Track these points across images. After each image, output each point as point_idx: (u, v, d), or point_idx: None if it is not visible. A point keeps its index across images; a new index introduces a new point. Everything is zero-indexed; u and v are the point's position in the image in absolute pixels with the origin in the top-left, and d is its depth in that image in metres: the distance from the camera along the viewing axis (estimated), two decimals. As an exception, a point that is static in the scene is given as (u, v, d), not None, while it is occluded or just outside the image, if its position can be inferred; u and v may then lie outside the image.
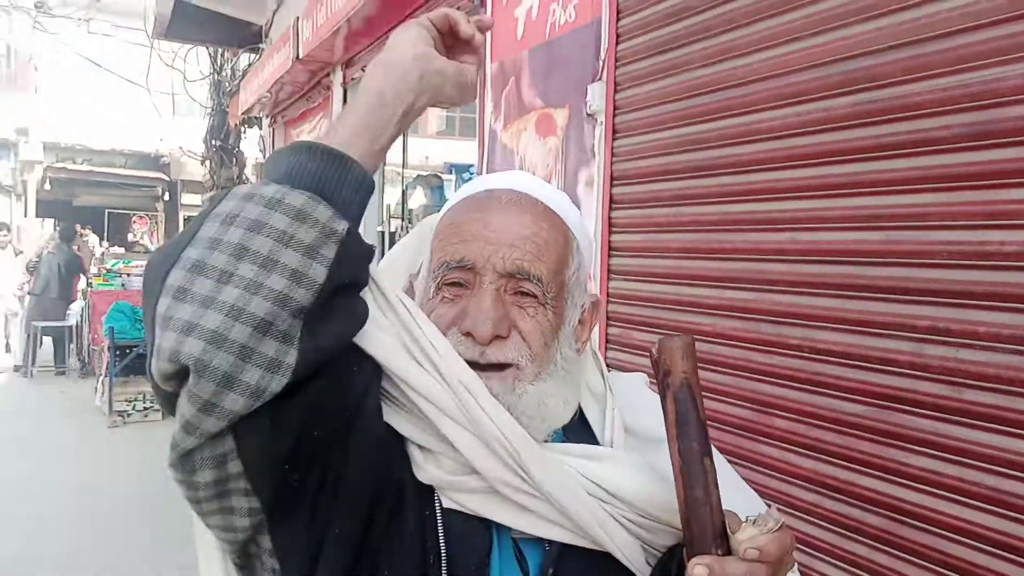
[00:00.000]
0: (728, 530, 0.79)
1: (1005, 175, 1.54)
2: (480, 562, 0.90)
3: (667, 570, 0.89)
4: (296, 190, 0.79)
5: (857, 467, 1.80)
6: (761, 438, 2.08)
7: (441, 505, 0.90)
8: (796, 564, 0.83)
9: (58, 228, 11.96)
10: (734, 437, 2.15)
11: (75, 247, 11.71)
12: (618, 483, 0.90)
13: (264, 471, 0.81)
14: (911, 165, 1.71)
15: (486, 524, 0.91)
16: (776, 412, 2.04)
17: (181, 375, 0.75)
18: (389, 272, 1.05)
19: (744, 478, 2.05)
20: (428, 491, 0.91)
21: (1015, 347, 1.51)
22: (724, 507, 0.81)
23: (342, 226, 0.80)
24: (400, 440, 0.92)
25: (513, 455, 0.87)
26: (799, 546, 1.90)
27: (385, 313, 0.91)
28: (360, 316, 0.86)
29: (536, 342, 0.92)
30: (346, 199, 0.82)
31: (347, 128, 0.87)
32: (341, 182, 0.82)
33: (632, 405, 1.03)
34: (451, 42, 0.99)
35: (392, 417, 0.91)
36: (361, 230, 0.86)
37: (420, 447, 0.91)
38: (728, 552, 0.78)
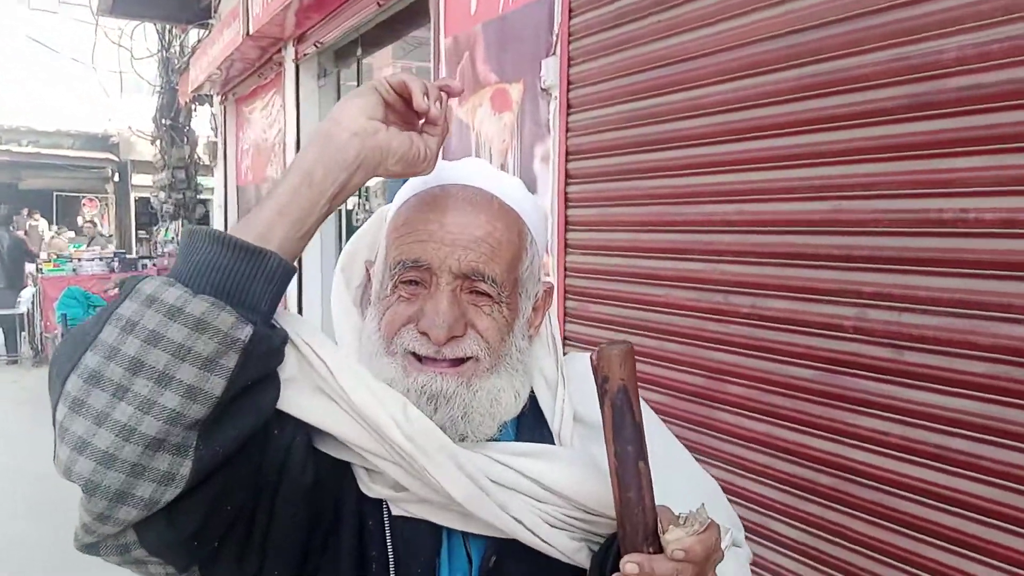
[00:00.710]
0: (659, 529, 0.83)
1: (945, 144, 1.59)
2: (428, 563, 0.93)
3: (605, 559, 0.92)
4: (198, 296, 0.77)
5: (807, 429, 1.86)
6: (715, 404, 2.13)
7: (390, 513, 0.93)
8: (724, 556, 0.88)
9: None
10: (689, 404, 2.20)
11: (20, 231, 11.41)
12: (557, 480, 0.93)
13: (170, 553, 0.83)
14: (856, 136, 1.76)
15: (434, 527, 0.94)
16: (729, 378, 2.09)
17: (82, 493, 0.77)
18: (350, 264, 1.06)
19: (699, 443, 2.12)
20: (375, 503, 0.93)
21: (954, 310, 1.57)
22: (659, 499, 0.84)
23: (245, 332, 0.78)
24: (339, 463, 0.93)
25: (422, 476, 0.88)
26: (754, 506, 1.97)
27: (300, 362, 0.90)
28: (265, 409, 0.85)
29: (493, 338, 0.93)
30: (257, 294, 0.81)
31: (270, 210, 0.84)
32: (252, 277, 0.80)
33: (584, 391, 1.03)
34: (414, 113, 0.91)
35: (329, 446, 0.92)
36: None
37: (364, 467, 0.93)
38: (659, 550, 0.82)
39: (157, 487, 0.76)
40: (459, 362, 0.93)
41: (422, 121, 0.93)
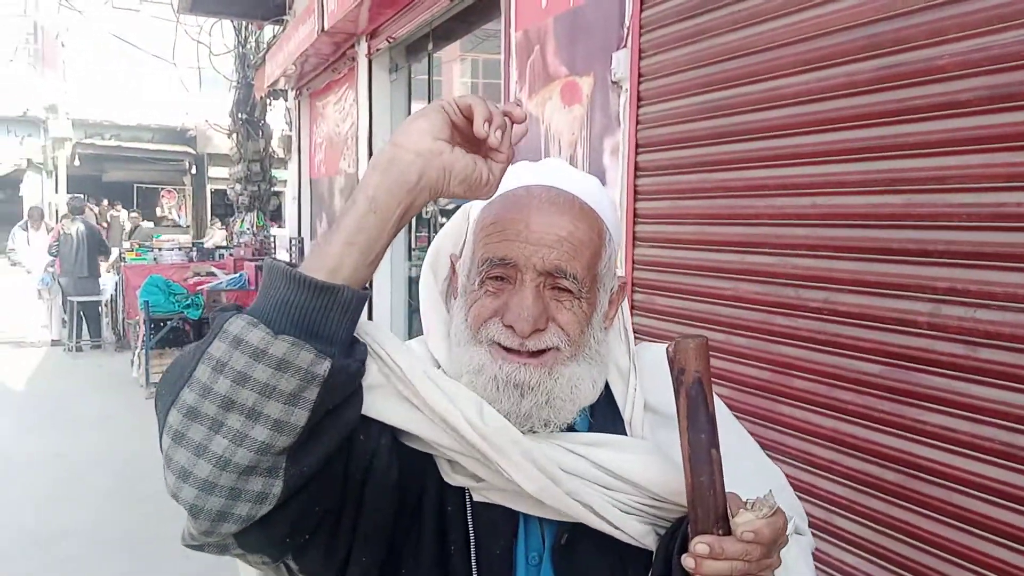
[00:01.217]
0: (728, 513, 0.87)
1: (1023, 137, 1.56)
2: (506, 545, 1.00)
3: (671, 543, 0.96)
4: (279, 337, 0.82)
5: (874, 425, 1.85)
6: (782, 398, 2.13)
7: (471, 499, 1.00)
8: (789, 541, 0.91)
9: (68, 206, 11.99)
10: (755, 398, 2.20)
11: (102, 223, 11.82)
12: (629, 470, 0.98)
13: (265, 550, 0.91)
14: (932, 128, 1.73)
15: (511, 510, 1.00)
16: (796, 373, 2.08)
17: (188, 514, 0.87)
18: (436, 260, 1.14)
19: (765, 437, 2.11)
20: (458, 491, 1.00)
21: (1031, 306, 1.54)
22: (728, 487, 0.88)
23: (324, 368, 0.83)
24: (423, 454, 1.00)
25: (496, 470, 0.94)
26: (819, 502, 1.96)
27: (381, 370, 0.96)
28: (347, 426, 0.90)
29: (573, 331, 0.99)
30: (333, 327, 0.85)
31: (338, 242, 0.87)
32: (328, 311, 0.85)
33: (655, 381, 1.09)
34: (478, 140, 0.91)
35: (412, 441, 0.99)
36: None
37: (446, 459, 1.00)
38: (728, 533, 0.86)
39: (252, 505, 0.84)
40: (541, 352, 0.98)
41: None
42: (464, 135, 0.91)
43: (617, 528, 0.97)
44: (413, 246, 6.38)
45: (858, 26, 1.90)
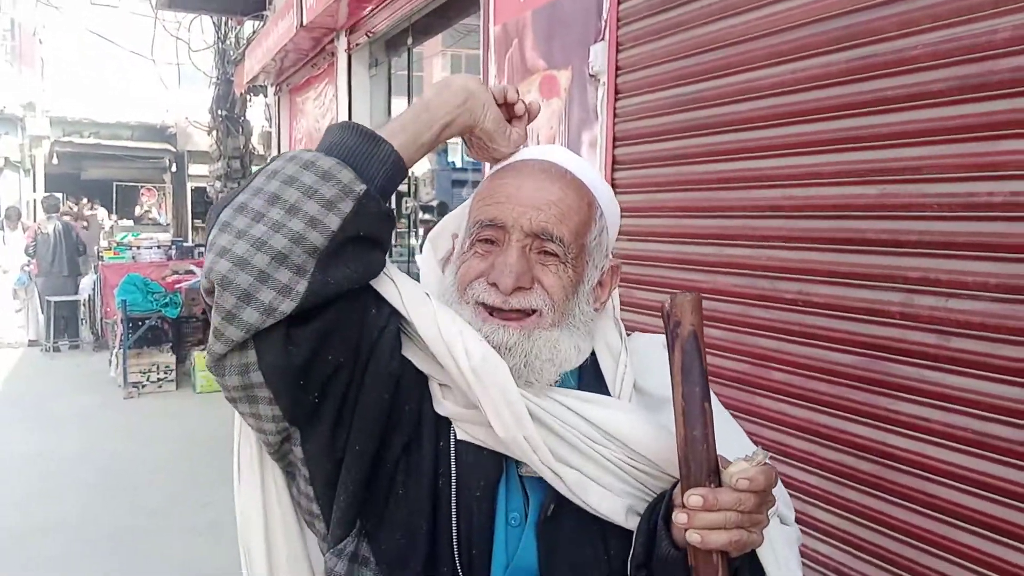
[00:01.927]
0: (721, 466, 0.87)
1: (997, 127, 1.56)
2: (487, 490, 1.01)
3: (655, 513, 0.96)
4: (329, 156, 0.96)
5: (849, 415, 1.85)
6: (758, 390, 2.13)
7: (455, 436, 1.02)
8: (776, 504, 0.90)
9: (43, 205, 11.90)
10: (732, 390, 2.20)
11: (82, 221, 11.69)
12: (617, 427, 0.99)
13: (281, 383, 0.94)
14: (906, 119, 1.74)
15: (496, 457, 1.01)
16: (772, 365, 2.09)
17: (216, 290, 0.91)
18: (439, 235, 1.20)
19: (744, 429, 2.11)
20: (446, 423, 1.03)
21: (1002, 295, 1.55)
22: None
23: (360, 188, 0.94)
24: (422, 376, 1.04)
25: (476, 404, 0.99)
26: (795, 493, 1.96)
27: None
28: (372, 265, 0.99)
29: (557, 294, 1.02)
30: (372, 171, 0.97)
31: (395, 124, 1.04)
32: (370, 156, 0.98)
33: (646, 365, 1.11)
34: (507, 113, 1.12)
35: (413, 354, 1.04)
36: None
37: (439, 383, 1.03)
38: (720, 486, 0.86)
39: (276, 295, 0.90)
40: (524, 315, 1.01)
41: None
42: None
43: (593, 508, 0.98)
44: (394, 243, 6.36)
45: (830, 18, 1.90)
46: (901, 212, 1.75)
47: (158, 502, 4.99)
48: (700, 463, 0.86)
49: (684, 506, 0.86)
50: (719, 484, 0.86)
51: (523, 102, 1.13)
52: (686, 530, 0.85)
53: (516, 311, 1.01)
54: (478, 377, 0.96)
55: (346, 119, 1.04)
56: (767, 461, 0.87)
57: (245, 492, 1.08)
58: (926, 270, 1.69)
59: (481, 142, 1.11)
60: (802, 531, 1.92)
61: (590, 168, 1.14)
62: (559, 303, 1.02)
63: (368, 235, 0.97)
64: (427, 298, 1.03)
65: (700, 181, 2.36)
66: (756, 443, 1.99)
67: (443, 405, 1.03)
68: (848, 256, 1.87)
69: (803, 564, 1.07)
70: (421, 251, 1.24)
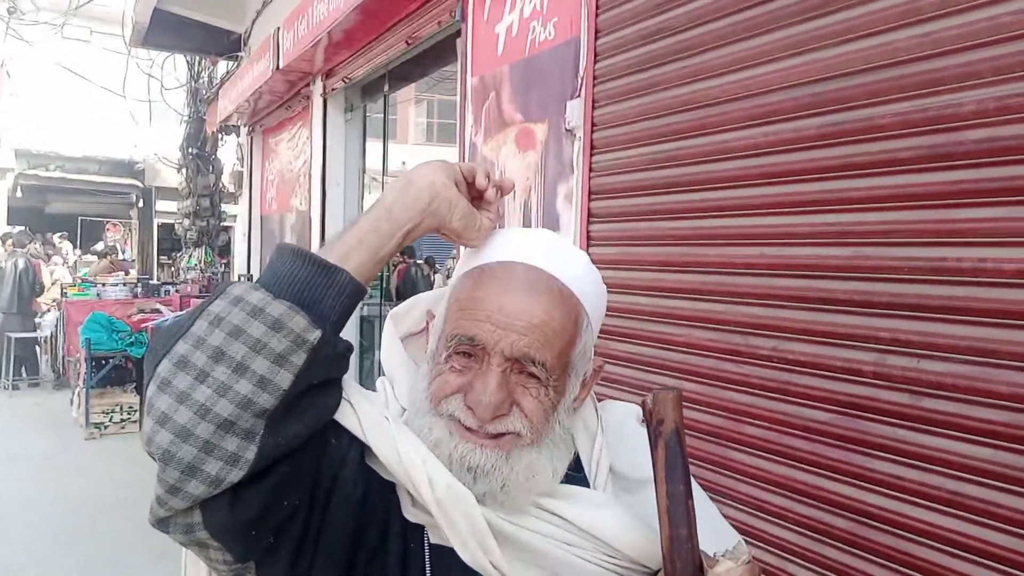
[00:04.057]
0: (706, 565, 0.88)
1: (962, 195, 1.62)
2: None
3: None
4: (278, 299, 0.88)
5: (825, 472, 1.88)
6: (733, 445, 2.15)
7: (428, 541, 0.99)
8: None
9: (11, 238, 11.71)
10: (707, 444, 2.22)
11: (38, 256, 11.49)
12: (595, 526, 0.97)
13: (230, 538, 0.89)
14: (876, 184, 1.79)
15: None
16: (747, 420, 2.11)
17: (158, 464, 0.86)
18: (404, 314, 1.17)
19: (716, 483, 2.13)
20: (416, 528, 0.99)
21: (971, 358, 1.59)
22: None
23: (314, 336, 0.88)
24: (387, 483, 0.99)
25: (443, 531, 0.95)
26: (771, 549, 1.98)
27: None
28: (326, 411, 0.94)
29: (537, 417, 0.98)
30: (327, 307, 0.91)
31: (351, 237, 0.97)
32: (325, 290, 0.91)
33: (621, 442, 1.10)
34: (476, 193, 1.06)
35: (378, 465, 0.98)
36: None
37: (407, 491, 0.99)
38: None
39: (224, 466, 0.84)
40: (500, 436, 0.97)
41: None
42: (463, 191, 1.04)
43: None
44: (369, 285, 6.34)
45: (802, 84, 1.97)
46: (872, 274, 1.79)
47: (114, 551, 4.87)
48: (686, 562, 0.88)
49: None
50: None
51: (493, 187, 1.06)
52: None
53: (491, 433, 0.97)
54: (442, 508, 0.93)
55: (303, 246, 0.98)
56: (749, 557, 0.88)
57: None
58: (897, 331, 1.74)
59: (447, 236, 1.05)
60: (779, 589, 1.94)
61: (580, 265, 1.06)
62: (538, 425, 0.98)
63: (323, 381, 0.92)
64: (386, 423, 0.97)
65: (675, 236, 2.40)
66: (732, 499, 2.01)
67: (412, 512, 0.99)
68: (821, 315, 1.91)
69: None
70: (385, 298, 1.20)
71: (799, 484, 1.95)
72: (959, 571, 1.60)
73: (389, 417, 0.98)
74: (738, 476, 2.13)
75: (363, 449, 0.98)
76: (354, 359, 6.31)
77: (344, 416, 0.97)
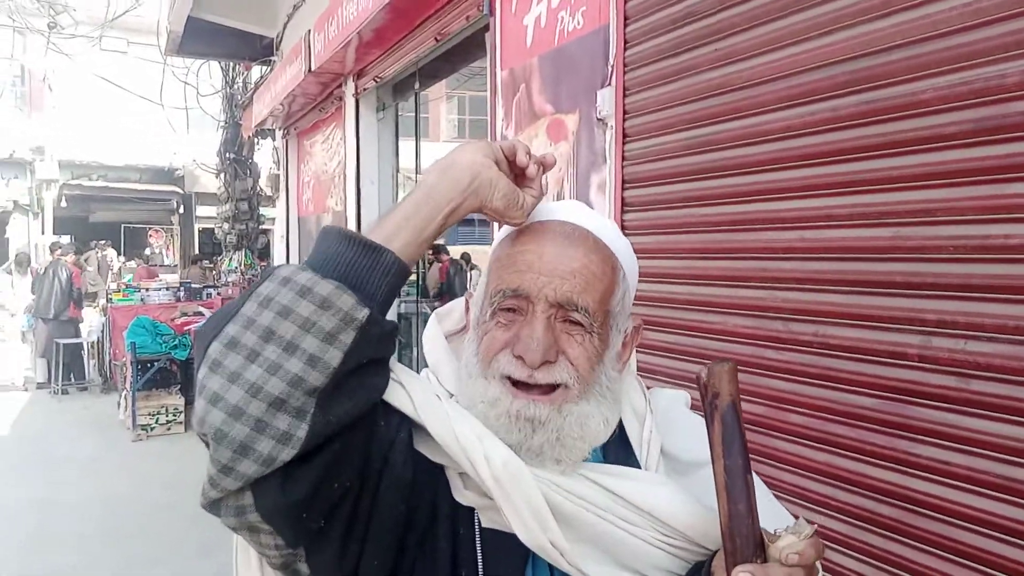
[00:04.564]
0: (766, 540, 0.85)
1: (1009, 169, 1.57)
2: (515, 574, 0.98)
3: None
4: (326, 279, 0.88)
5: (869, 459, 1.84)
6: (775, 433, 2.11)
7: (480, 524, 0.99)
8: (820, 569, 0.89)
9: (60, 247, 11.96)
10: (749, 433, 2.17)
11: (90, 266, 11.72)
12: (649, 503, 0.97)
13: (281, 521, 0.89)
14: (917, 161, 1.75)
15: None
16: (789, 407, 2.07)
17: (210, 444, 0.86)
18: (448, 314, 1.17)
19: (758, 472, 2.09)
20: (467, 511, 1.00)
21: (1020, 337, 1.54)
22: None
23: (362, 314, 0.88)
24: (436, 466, 1.00)
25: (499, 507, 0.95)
26: (815, 538, 1.93)
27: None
28: (375, 391, 0.94)
29: (583, 366, 0.99)
30: (373, 287, 0.91)
31: (395, 218, 0.97)
32: (371, 270, 0.91)
33: (671, 426, 1.10)
34: (518, 171, 1.04)
35: (426, 447, 0.99)
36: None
37: (458, 472, 0.99)
38: (765, 561, 0.84)
39: (275, 444, 0.84)
40: (550, 389, 0.98)
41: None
42: (504, 170, 1.03)
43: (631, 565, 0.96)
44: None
45: (838, 63, 1.92)
46: (915, 254, 1.75)
47: (160, 549, 4.94)
48: (746, 538, 0.84)
49: None
50: (765, 559, 0.84)
51: (534, 163, 1.04)
52: None
53: (542, 386, 0.98)
54: (499, 484, 0.93)
55: (343, 230, 0.97)
56: (812, 532, 0.85)
57: None
58: (942, 312, 1.69)
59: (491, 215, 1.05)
60: (824, 577, 1.90)
61: (609, 225, 1.10)
62: (585, 374, 0.99)
63: (371, 360, 0.92)
64: (438, 401, 0.98)
65: (711, 223, 2.37)
66: (774, 488, 1.97)
67: (464, 495, 0.99)
68: (863, 298, 1.86)
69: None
70: (421, 295, 1.21)
71: (843, 472, 1.91)
72: (1009, 557, 1.54)
73: (441, 397, 0.99)
74: (781, 465, 2.09)
75: (411, 432, 0.98)
76: (393, 358, 6.38)
77: (395, 396, 0.97)
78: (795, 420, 2.06)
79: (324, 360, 0.85)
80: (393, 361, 0.99)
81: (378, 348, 0.92)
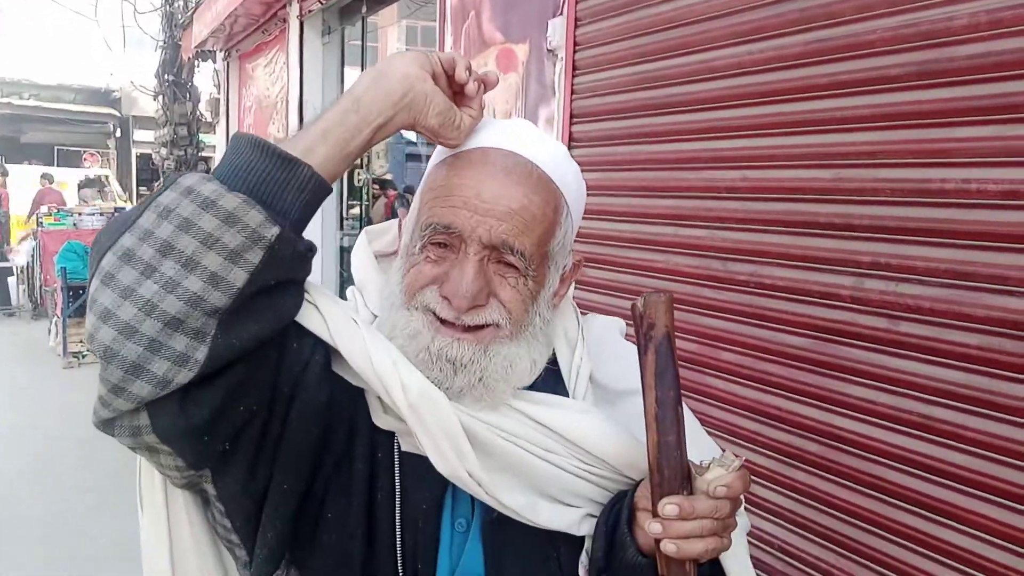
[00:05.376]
0: (694, 472, 0.84)
1: (952, 113, 1.58)
2: (433, 500, 0.95)
3: (613, 517, 0.93)
4: (232, 192, 0.81)
5: (798, 397, 1.87)
6: (707, 370, 2.14)
7: (399, 448, 0.95)
8: (744, 501, 0.89)
9: None
10: (681, 370, 2.20)
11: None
12: (572, 431, 0.94)
13: (182, 443, 0.85)
14: (863, 103, 1.74)
15: None
16: (723, 345, 2.10)
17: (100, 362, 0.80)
18: (380, 233, 1.11)
19: (692, 409, 2.12)
20: (387, 435, 0.96)
21: (950, 281, 1.57)
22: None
23: (272, 232, 0.81)
24: (354, 389, 0.95)
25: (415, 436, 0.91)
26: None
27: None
28: (285, 313, 0.88)
29: (516, 309, 0.94)
30: (287, 203, 0.84)
31: (316, 129, 0.89)
32: (284, 185, 0.84)
33: (602, 354, 1.06)
34: (457, 87, 0.96)
35: (344, 371, 0.94)
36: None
37: (378, 396, 0.94)
38: (691, 493, 0.83)
39: (171, 366, 0.79)
40: (478, 328, 0.93)
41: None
42: (442, 85, 0.94)
43: (543, 526, 0.93)
44: (345, 215, 6.27)
45: (788, 0, 1.90)
46: (854, 196, 1.75)
47: (92, 478, 4.87)
48: (674, 470, 0.83)
49: (657, 515, 0.82)
50: (691, 490, 0.83)
51: (474, 80, 0.96)
52: (659, 540, 0.82)
53: (468, 325, 0.93)
54: (415, 412, 0.88)
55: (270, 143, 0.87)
56: (739, 464, 0.84)
57: (150, 520, 0.99)
58: (877, 255, 1.71)
59: (424, 133, 0.96)
60: (751, 511, 1.95)
61: (559, 154, 1.01)
62: (517, 316, 0.94)
63: (284, 281, 0.86)
64: (355, 325, 0.92)
65: (657, 160, 2.35)
66: (705, 424, 2.01)
67: (383, 419, 0.95)
68: (801, 239, 1.87)
69: (749, 543, 1.06)
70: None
71: (772, 409, 1.94)
72: (928, 494, 1.60)
73: (358, 320, 0.93)
74: (712, 401, 2.12)
75: (328, 354, 0.94)
76: (333, 290, 6.28)
77: (309, 319, 0.92)
78: (728, 358, 2.08)
79: (227, 280, 0.79)
80: (310, 282, 0.93)
81: (289, 269, 0.86)
